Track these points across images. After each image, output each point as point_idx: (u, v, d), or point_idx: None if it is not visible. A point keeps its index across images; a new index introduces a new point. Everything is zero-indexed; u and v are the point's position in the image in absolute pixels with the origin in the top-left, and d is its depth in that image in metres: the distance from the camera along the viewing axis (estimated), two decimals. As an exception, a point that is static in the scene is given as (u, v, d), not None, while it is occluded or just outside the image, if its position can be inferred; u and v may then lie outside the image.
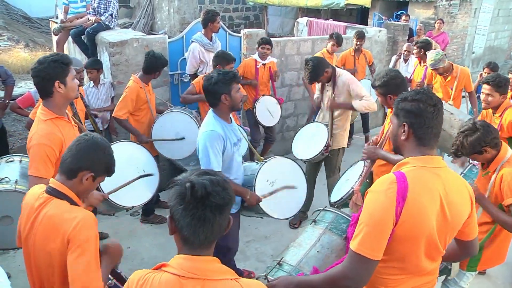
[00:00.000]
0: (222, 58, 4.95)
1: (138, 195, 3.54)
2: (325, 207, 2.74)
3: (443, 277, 3.38)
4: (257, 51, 6.03)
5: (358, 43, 7.39)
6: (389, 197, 1.82)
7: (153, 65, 4.62)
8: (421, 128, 1.93)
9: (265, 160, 3.62)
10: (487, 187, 3.16)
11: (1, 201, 2.80)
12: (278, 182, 3.56)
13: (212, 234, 1.53)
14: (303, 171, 3.79)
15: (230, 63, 4.97)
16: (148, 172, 3.52)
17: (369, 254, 1.81)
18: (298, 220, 5.29)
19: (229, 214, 1.60)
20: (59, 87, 2.72)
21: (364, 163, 3.63)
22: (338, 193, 3.70)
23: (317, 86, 5.17)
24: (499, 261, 3.46)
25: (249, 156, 5.89)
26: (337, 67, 6.79)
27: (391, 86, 3.45)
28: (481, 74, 6.74)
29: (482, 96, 4.40)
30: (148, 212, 5.12)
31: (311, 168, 5.22)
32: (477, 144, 3.04)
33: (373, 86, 3.61)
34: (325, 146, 4.68)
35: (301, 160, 4.80)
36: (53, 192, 2.09)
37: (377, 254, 1.83)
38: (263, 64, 6.01)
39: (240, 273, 4.18)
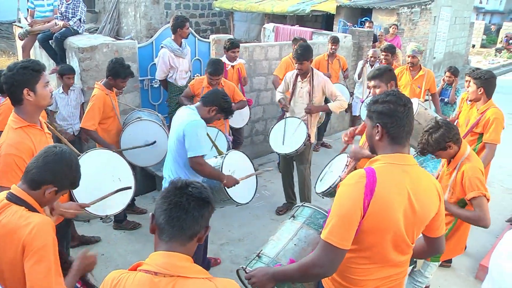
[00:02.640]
0: (207, 65, 5.15)
1: (112, 204, 3.49)
2: (304, 203, 2.85)
3: (410, 268, 3.55)
4: (226, 54, 6.10)
5: (333, 47, 7.49)
6: (358, 190, 1.93)
7: (112, 70, 4.52)
8: (394, 128, 2.04)
9: (225, 153, 3.98)
10: (448, 183, 3.33)
11: None
12: (237, 172, 3.87)
13: (185, 224, 1.57)
14: (250, 160, 4.18)
15: (210, 75, 5.06)
16: (124, 181, 3.52)
17: (337, 243, 1.92)
18: (284, 208, 5.73)
19: (206, 216, 1.65)
20: (29, 95, 2.63)
21: (348, 155, 3.84)
22: (324, 183, 3.90)
23: (282, 86, 5.35)
24: (460, 251, 3.69)
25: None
26: None
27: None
28: (443, 78, 7.04)
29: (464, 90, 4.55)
30: (120, 218, 5.09)
31: (286, 164, 5.58)
32: (442, 141, 3.22)
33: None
34: (307, 136, 5.01)
35: (285, 154, 5.16)
36: (12, 198, 2.04)
37: (345, 243, 1.93)
38: (231, 66, 6.10)
39: (208, 261, 4.36)
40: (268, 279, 2.11)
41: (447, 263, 4.56)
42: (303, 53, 4.94)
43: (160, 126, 4.80)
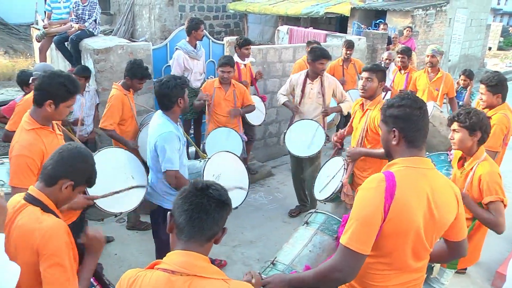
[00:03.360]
0: (218, 62, 5.30)
1: (125, 201, 3.54)
2: (317, 209, 2.84)
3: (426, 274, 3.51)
4: (238, 53, 6.09)
5: (347, 52, 7.30)
6: (378, 194, 1.91)
7: (130, 70, 4.53)
8: (411, 132, 2.03)
9: (208, 157, 3.89)
10: (464, 186, 3.28)
11: None
12: (223, 176, 3.83)
13: (206, 225, 1.59)
14: (241, 160, 4.13)
15: (220, 66, 5.21)
16: (137, 179, 3.56)
17: (357, 248, 1.89)
18: (297, 210, 5.71)
19: (225, 218, 1.67)
20: (50, 106, 2.71)
21: (344, 158, 3.84)
22: (324, 189, 3.91)
23: (286, 88, 5.32)
24: (475, 259, 3.60)
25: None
26: None
27: None
28: (458, 81, 6.94)
29: (478, 95, 4.45)
30: (134, 218, 5.12)
31: (297, 166, 5.53)
32: (479, 121, 3.16)
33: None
34: (326, 137, 5.01)
35: (306, 156, 5.06)
36: (29, 198, 2.06)
37: (365, 248, 1.91)
38: (244, 65, 6.12)
39: (211, 261, 4.27)
40: (285, 286, 2.07)
41: (462, 270, 4.49)
42: (318, 53, 4.97)
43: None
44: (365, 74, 3.77)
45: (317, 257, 2.45)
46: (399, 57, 6.98)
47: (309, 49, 6.81)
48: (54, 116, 2.79)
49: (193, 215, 1.58)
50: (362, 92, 3.82)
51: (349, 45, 7.31)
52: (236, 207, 3.91)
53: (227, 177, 3.84)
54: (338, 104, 5.34)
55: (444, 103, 6.34)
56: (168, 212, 1.65)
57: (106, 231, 4.92)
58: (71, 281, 1.96)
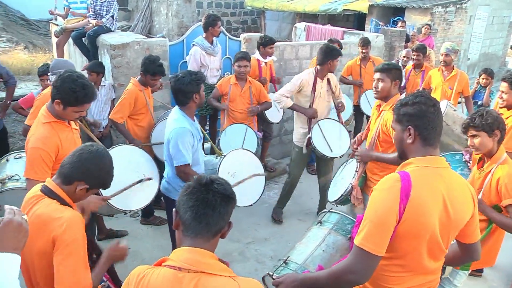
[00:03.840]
0: (234, 57, 5.32)
1: (137, 199, 3.56)
2: (331, 209, 2.81)
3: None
4: (261, 51, 6.10)
5: (363, 51, 6.95)
6: (393, 195, 1.88)
7: (144, 66, 4.59)
8: (426, 129, 1.99)
9: (224, 154, 3.87)
10: (481, 187, 3.21)
11: (12, 199, 2.80)
12: (238, 173, 3.81)
13: (212, 220, 1.58)
14: (259, 159, 4.11)
15: (237, 60, 5.25)
16: (148, 176, 3.56)
17: (372, 250, 1.87)
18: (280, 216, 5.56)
19: (230, 212, 1.66)
20: (58, 105, 2.74)
21: (357, 160, 3.80)
22: (336, 191, 3.85)
23: (290, 88, 4.99)
24: (490, 262, 3.52)
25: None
26: (343, 77, 6.91)
27: None
28: (478, 80, 6.82)
29: (498, 94, 4.36)
30: (148, 213, 5.15)
31: (325, 165, 5.36)
32: (495, 121, 3.11)
33: None
34: (350, 138, 5.00)
35: (337, 156, 5.02)
36: (45, 191, 2.09)
37: (380, 249, 1.88)
38: (265, 63, 6.11)
39: None
40: (297, 285, 2.05)
41: (478, 273, 4.40)
42: (323, 56, 4.86)
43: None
44: (376, 75, 3.71)
45: (330, 257, 2.42)
46: (414, 55, 6.89)
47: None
48: (63, 115, 2.82)
49: (199, 211, 1.57)
50: (375, 94, 3.77)
51: (364, 43, 6.96)
52: (260, 196, 4.04)
53: (243, 175, 3.83)
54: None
55: (459, 102, 6.24)
56: (173, 209, 1.64)
57: (120, 225, 4.98)
58: (84, 273, 1.98)
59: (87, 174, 2.10)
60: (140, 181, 3.45)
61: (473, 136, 3.19)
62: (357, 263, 1.90)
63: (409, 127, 2.02)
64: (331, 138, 4.99)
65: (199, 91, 3.47)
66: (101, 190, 3.08)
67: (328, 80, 5.00)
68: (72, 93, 2.69)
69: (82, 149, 2.15)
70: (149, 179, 3.54)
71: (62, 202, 2.07)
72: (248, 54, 5.31)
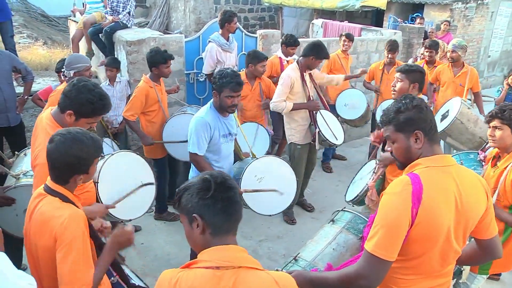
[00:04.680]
0: (254, 57, 5.20)
1: (135, 207, 3.48)
2: (344, 208, 2.78)
3: (453, 281, 3.36)
4: (282, 49, 6.09)
5: (389, 56, 6.39)
6: (404, 199, 1.84)
7: (149, 60, 4.63)
8: (431, 129, 1.98)
9: (257, 157, 3.85)
10: (496, 185, 3.11)
11: (24, 195, 2.82)
12: (266, 180, 3.75)
13: (240, 214, 1.63)
14: (295, 175, 3.98)
15: (262, 61, 5.20)
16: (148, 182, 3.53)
17: (383, 255, 1.84)
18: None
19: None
20: (69, 116, 2.55)
21: (376, 161, 3.72)
22: (354, 191, 3.79)
23: (283, 91, 4.82)
24: (509, 267, 3.37)
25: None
26: (366, 82, 6.67)
27: None
28: (508, 82, 6.52)
29: None
30: (162, 209, 5.18)
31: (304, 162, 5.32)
32: None
33: None
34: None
35: (340, 144, 5.08)
36: (47, 190, 2.10)
37: (391, 255, 1.85)
38: (287, 61, 6.07)
39: None
40: (306, 284, 2.03)
41: (496, 276, 4.30)
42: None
43: None
44: (396, 75, 3.67)
45: (340, 255, 2.40)
46: (426, 52, 6.70)
47: (341, 40, 6.74)
48: (70, 125, 2.53)
49: (228, 210, 1.58)
50: (392, 93, 3.73)
51: (392, 47, 6.31)
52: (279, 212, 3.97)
53: (270, 182, 3.78)
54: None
55: (469, 99, 6.12)
56: (194, 215, 1.59)
57: (134, 221, 4.97)
58: (84, 271, 1.98)
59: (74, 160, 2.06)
60: (143, 185, 3.41)
61: (496, 127, 3.12)
62: (368, 269, 1.88)
63: (416, 131, 1.97)
64: (334, 126, 5.05)
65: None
66: (101, 198, 3.07)
67: (310, 74, 4.99)
68: (89, 104, 2.51)
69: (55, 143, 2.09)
70: (151, 183, 3.51)
71: (64, 199, 2.08)
72: (263, 53, 5.32)
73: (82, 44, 7.19)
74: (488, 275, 3.42)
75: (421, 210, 1.82)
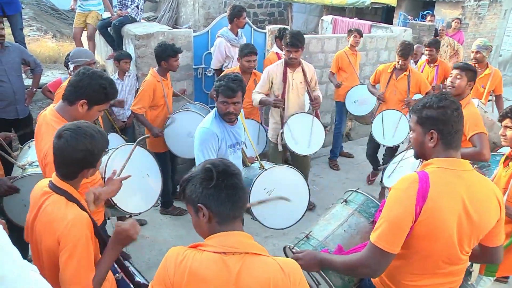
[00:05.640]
0: (240, 51, 5.00)
1: (141, 202, 3.46)
2: (358, 188, 2.77)
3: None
4: (277, 44, 6.03)
5: (400, 62, 5.49)
6: (409, 196, 1.87)
7: (158, 54, 4.64)
8: (450, 134, 1.96)
9: (266, 168, 3.57)
10: (507, 186, 3.06)
11: (31, 184, 2.80)
12: (276, 192, 3.53)
13: (244, 199, 1.66)
14: (307, 184, 3.75)
15: (246, 55, 4.92)
16: (152, 176, 3.51)
17: (386, 247, 1.90)
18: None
19: None
20: (81, 106, 2.53)
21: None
22: (394, 178, 3.84)
23: (262, 85, 4.79)
24: None
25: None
26: (371, 85, 6.06)
27: None
28: None
29: None
30: (167, 203, 5.18)
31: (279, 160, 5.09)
32: None
33: None
34: (324, 128, 4.78)
35: (305, 155, 4.73)
36: (53, 187, 2.08)
37: (393, 248, 1.91)
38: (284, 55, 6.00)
39: None
40: (315, 264, 2.15)
41: (504, 279, 4.23)
42: (301, 39, 4.59)
43: None
44: (455, 71, 3.76)
45: (350, 237, 2.43)
46: (426, 50, 6.64)
47: (349, 38, 6.65)
48: (85, 117, 2.52)
49: (233, 198, 1.61)
50: (450, 88, 3.81)
51: (404, 52, 5.40)
52: (293, 224, 3.74)
53: (280, 194, 3.51)
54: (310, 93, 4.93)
55: (489, 100, 6.04)
56: (199, 205, 1.61)
57: (139, 215, 5.01)
58: (85, 273, 1.98)
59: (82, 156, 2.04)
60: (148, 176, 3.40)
61: (507, 127, 3.11)
62: (371, 258, 1.95)
63: (432, 131, 1.98)
64: (303, 134, 4.73)
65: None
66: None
67: (304, 72, 4.79)
68: (102, 89, 2.53)
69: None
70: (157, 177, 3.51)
71: (69, 197, 2.06)
72: (255, 48, 5.02)
73: (85, 40, 7.16)
74: (495, 278, 3.37)
75: (425, 209, 1.85)
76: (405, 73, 5.48)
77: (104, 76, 2.60)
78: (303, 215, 3.76)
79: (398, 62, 5.46)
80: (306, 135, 4.75)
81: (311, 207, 5.41)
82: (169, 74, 4.89)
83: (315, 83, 4.92)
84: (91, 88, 2.51)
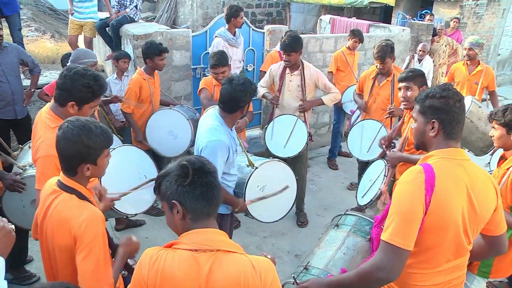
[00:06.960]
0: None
1: (139, 202, 3.44)
2: (346, 211, 2.73)
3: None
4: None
5: (378, 65, 4.98)
6: (418, 186, 1.86)
7: (144, 52, 4.65)
8: (451, 124, 1.98)
9: (256, 166, 3.50)
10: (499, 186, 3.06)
11: (32, 185, 2.78)
12: (268, 187, 3.52)
13: (219, 198, 1.68)
14: (294, 172, 3.70)
15: (212, 67, 4.60)
16: (150, 177, 3.42)
17: (401, 244, 1.84)
18: (305, 219, 5.25)
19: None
20: (72, 108, 2.53)
21: (384, 162, 3.68)
22: (366, 195, 3.77)
23: (266, 79, 4.90)
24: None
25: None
26: (356, 93, 5.70)
27: None
28: None
29: None
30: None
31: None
32: None
33: None
34: (308, 135, 4.67)
35: (287, 158, 4.56)
36: (61, 186, 2.07)
37: (408, 243, 1.85)
38: None
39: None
40: None
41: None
42: (291, 43, 4.53)
43: (187, 120, 4.63)
44: (402, 84, 3.59)
45: (351, 259, 2.35)
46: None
47: (350, 39, 6.64)
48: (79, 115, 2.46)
49: (207, 195, 1.62)
50: (404, 104, 3.64)
51: (380, 55, 4.85)
52: (286, 214, 3.71)
53: (273, 188, 3.56)
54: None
55: (484, 99, 6.08)
56: (173, 201, 1.62)
57: (138, 215, 4.99)
58: (104, 271, 1.99)
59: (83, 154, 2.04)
60: (150, 180, 3.31)
61: (494, 128, 3.11)
62: (386, 259, 1.86)
63: (434, 120, 1.99)
64: (282, 135, 4.69)
65: (249, 103, 3.22)
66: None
67: (303, 76, 4.72)
68: (87, 88, 2.50)
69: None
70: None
71: (80, 196, 2.06)
72: (224, 58, 4.57)
73: (81, 45, 7.15)
74: (487, 279, 3.33)
75: (434, 198, 1.84)
76: (387, 78, 5.00)
77: (88, 74, 2.53)
78: (293, 204, 3.77)
79: (376, 66, 5.00)
80: (285, 136, 4.71)
81: (303, 224, 5.22)
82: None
83: (325, 86, 4.81)
84: (75, 90, 2.50)
